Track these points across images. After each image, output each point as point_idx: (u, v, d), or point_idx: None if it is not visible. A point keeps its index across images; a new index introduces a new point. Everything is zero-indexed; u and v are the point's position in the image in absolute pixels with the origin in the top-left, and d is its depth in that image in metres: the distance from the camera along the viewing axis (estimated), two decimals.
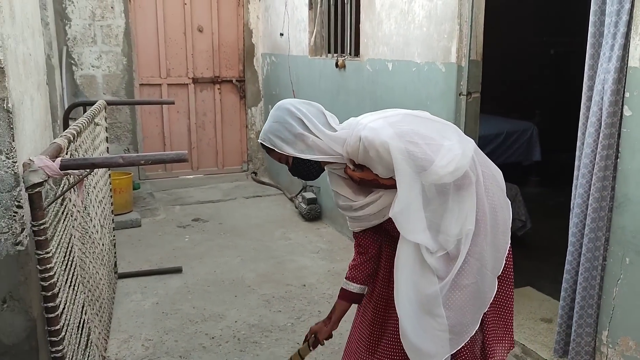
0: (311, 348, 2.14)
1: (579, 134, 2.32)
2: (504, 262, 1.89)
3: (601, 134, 2.16)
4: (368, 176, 1.83)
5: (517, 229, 3.90)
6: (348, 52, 4.27)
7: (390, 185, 1.79)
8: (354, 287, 2.02)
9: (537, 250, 4.03)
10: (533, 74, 6.87)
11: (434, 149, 1.73)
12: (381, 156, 1.75)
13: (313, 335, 2.11)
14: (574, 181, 2.33)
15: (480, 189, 1.81)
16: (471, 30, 2.92)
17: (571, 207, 2.36)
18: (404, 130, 1.76)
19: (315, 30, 4.77)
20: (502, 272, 1.89)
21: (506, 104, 6.55)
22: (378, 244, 2.01)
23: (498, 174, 1.93)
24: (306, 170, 1.91)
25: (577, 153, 2.31)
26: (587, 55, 2.27)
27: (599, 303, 2.30)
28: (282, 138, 1.84)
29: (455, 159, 1.72)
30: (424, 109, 3.23)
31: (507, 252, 1.90)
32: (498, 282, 1.87)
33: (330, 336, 2.11)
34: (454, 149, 1.74)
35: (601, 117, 2.16)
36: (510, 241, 1.92)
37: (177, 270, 3.82)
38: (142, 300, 3.40)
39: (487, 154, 5.00)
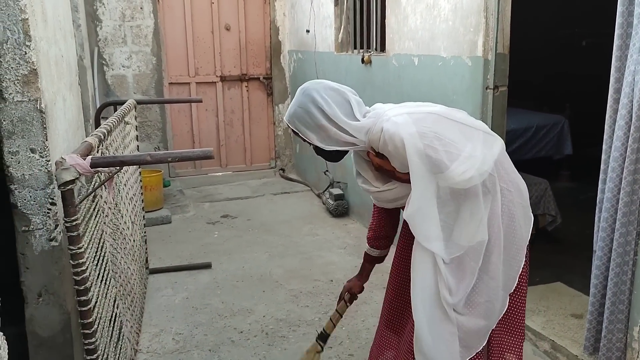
0: (348, 304, 2.29)
1: (606, 127, 2.28)
2: (517, 279, 1.86)
3: (632, 127, 2.11)
4: (386, 165, 1.85)
5: (547, 223, 3.86)
6: (374, 47, 4.26)
7: (405, 180, 1.80)
8: (374, 252, 2.19)
9: (568, 245, 3.97)
10: (564, 67, 6.74)
11: (453, 157, 1.72)
12: (399, 152, 1.76)
13: (347, 293, 2.26)
14: (601, 175, 2.29)
15: (495, 203, 1.78)
16: (498, 23, 2.88)
17: (598, 201, 2.32)
18: (426, 131, 1.75)
19: (341, 26, 4.78)
20: (515, 286, 1.88)
21: (537, 98, 6.44)
22: (396, 215, 2.11)
23: (523, 186, 1.91)
24: (329, 154, 1.94)
25: (605, 147, 2.27)
26: (614, 46, 2.22)
27: (630, 299, 2.26)
28: (305, 125, 1.86)
29: (473, 167, 1.71)
30: (450, 104, 3.24)
31: (520, 269, 1.87)
32: (510, 295, 1.86)
33: (362, 289, 2.27)
34: (474, 157, 1.73)
35: (632, 109, 2.12)
36: (524, 257, 1.88)
37: (207, 266, 3.88)
38: (172, 295, 3.47)
39: (516, 149, 4.96)
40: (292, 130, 1.90)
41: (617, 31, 2.21)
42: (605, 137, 2.28)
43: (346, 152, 1.94)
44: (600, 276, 2.35)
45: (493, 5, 2.87)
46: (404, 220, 1.92)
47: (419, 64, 3.55)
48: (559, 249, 3.89)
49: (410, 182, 1.76)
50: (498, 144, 1.87)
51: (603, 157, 2.28)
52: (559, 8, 6.55)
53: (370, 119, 1.86)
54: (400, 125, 1.76)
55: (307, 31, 5.38)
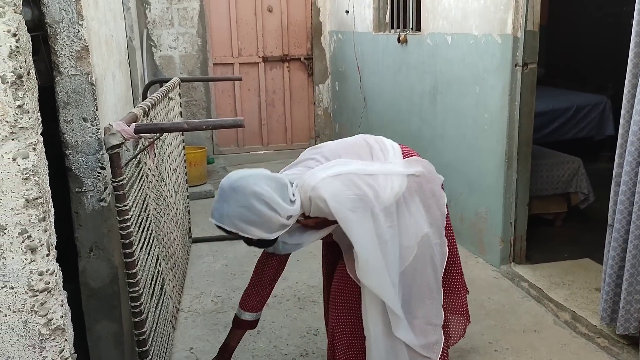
0: None
1: (624, 101, 2.31)
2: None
3: None
4: (320, 220, 1.92)
5: (579, 202, 3.87)
6: (410, 27, 4.33)
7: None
8: (248, 316, 2.14)
9: (601, 223, 3.94)
10: (610, 46, 6.59)
11: (374, 184, 1.87)
12: (328, 210, 1.83)
13: None
14: (618, 150, 2.34)
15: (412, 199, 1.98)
16: (527, 0, 2.92)
17: (615, 175, 2.37)
18: (346, 177, 1.86)
19: (379, 6, 4.86)
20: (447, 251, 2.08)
21: (581, 77, 6.34)
22: (279, 269, 2.16)
23: (430, 167, 2.07)
24: (268, 243, 1.92)
25: (622, 121, 2.31)
26: (634, 21, 2.24)
27: None
28: (247, 222, 1.77)
29: (395, 184, 1.90)
30: (480, 82, 3.32)
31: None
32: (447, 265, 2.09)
33: None
34: (390, 175, 1.92)
35: None
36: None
37: None
38: (212, 262, 3.70)
39: (555, 129, 4.98)
40: (226, 230, 1.80)
41: (637, 5, 2.24)
42: (622, 111, 2.32)
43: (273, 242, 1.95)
44: (617, 248, 2.41)
45: None
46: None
47: (452, 42, 3.62)
48: (592, 227, 3.90)
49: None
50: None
51: (620, 131, 2.32)
52: None
53: (298, 195, 1.87)
54: (320, 189, 1.82)
55: (347, 12, 5.48)
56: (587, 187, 3.82)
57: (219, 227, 1.81)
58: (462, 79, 3.50)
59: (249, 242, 1.88)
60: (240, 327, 2.18)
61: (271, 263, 2.15)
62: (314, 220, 1.93)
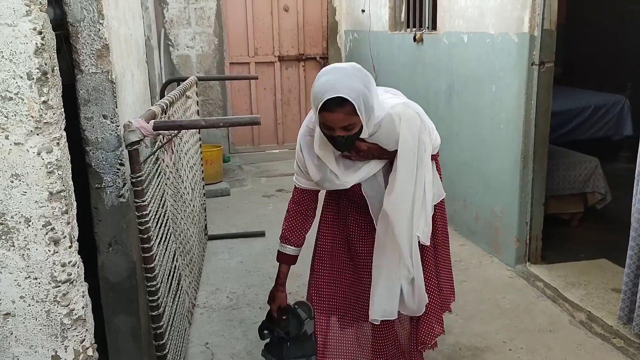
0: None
1: None
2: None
3: None
4: (373, 148, 1.88)
5: (596, 202, 3.85)
6: (426, 26, 4.33)
7: (388, 157, 1.91)
8: (290, 250, 2.14)
9: (619, 224, 3.90)
10: (630, 44, 6.52)
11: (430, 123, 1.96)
12: (396, 130, 1.83)
13: (278, 309, 2.20)
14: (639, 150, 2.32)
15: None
16: None
17: (636, 174, 2.36)
18: (416, 107, 1.91)
19: (395, 5, 4.86)
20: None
21: (600, 77, 6.28)
22: (315, 197, 2.15)
23: None
24: (354, 142, 1.83)
25: None
26: None
27: None
28: (366, 105, 1.69)
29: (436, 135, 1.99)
30: (497, 80, 3.32)
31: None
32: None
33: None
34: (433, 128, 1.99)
35: None
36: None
37: (261, 234, 4.12)
38: (228, 259, 3.74)
39: (572, 129, 4.97)
40: (342, 106, 1.66)
41: None
42: None
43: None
44: (635, 247, 2.40)
45: None
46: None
47: (468, 41, 3.61)
48: (609, 227, 3.88)
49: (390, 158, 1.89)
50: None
51: None
52: None
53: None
54: (398, 107, 1.84)
55: (363, 11, 5.49)
56: (605, 187, 3.79)
57: (334, 101, 1.64)
58: (479, 78, 3.50)
59: (340, 139, 1.75)
60: (284, 261, 2.18)
61: (307, 198, 2.14)
62: (367, 145, 1.86)
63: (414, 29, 4.52)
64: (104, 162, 2.12)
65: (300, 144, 2.02)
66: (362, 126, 1.74)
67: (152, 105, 3.55)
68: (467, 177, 3.77)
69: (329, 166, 1.91)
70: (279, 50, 6.29)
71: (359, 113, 1.68)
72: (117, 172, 2.14)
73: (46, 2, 1.13)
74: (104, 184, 2.14)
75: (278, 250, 2.18)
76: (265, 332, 2.17)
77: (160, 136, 2.17)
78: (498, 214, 3.47)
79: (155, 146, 2.21)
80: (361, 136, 1.80)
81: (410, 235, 1.92)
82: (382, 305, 2.01)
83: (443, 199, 2.14)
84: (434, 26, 4.18)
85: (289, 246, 2.14)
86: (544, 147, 3.17)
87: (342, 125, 1.71)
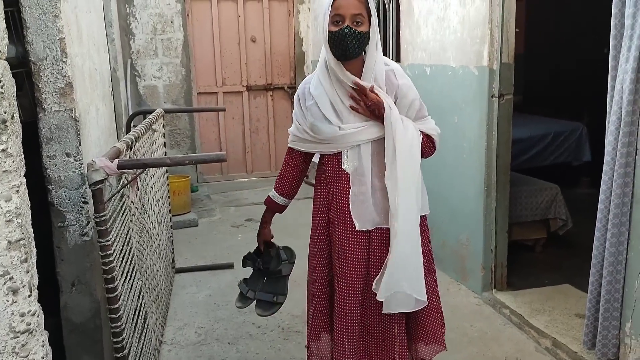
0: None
1: (606, 133, 2.39)
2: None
3: (621, 132, 2.23)
4: (375, 101, 1.92)
5: (558, 227, 3.94)
6: (390, 57, 4.42)
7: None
8: (281, 200, 2.26)
9: (581, 249, 4.02)
10: (585, 74, 6.77)
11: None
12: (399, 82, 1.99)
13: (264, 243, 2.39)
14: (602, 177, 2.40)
15: None
16: (502, 34, 3.02)
17: (599, 202, 2.43)
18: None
19: None
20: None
21: (557, 105, 6.49)
22: (303, 163, 2.22)
23: None
24: (360, 47, 1.89)
25: (605, 150, 2.37)
26: (610, 56, 2.34)
27: (623, 296, 2.36)
28: (374, 13, 1.91)
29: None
30: (459, 112, 3.40)
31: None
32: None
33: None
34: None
35: (621, 115, 2.23)
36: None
37: (229, 266, 4.08)
38: (196, 293, 3.69)
39: (534, 155, 5.08)
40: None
41: (612, 42, 2.33)
42: (606, 141, 2.39)
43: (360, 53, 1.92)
44: (596, 274, 2.46)
45: (497, 18, 3.01)
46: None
47: (431, 73, 3.71)
48: (571, 252, 3.97)
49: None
50: None
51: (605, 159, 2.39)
52: (580, 16, 6.59)
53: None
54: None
55: None
56: (565, 213, 3.89)
57: None
58: (441, 109, 3.58)
59: (348, 30, 1.85)
60: (270, 205, 2.30)
61: (297, 161, 2.22)
62: (376, 97, 1.91)
63: None
64: (67, 201, 2.09)
65: (298, 93, 2.15)
66: (369, 32, 1.88)
67: (117, 137, 3.53)
68: (433, 205, 3.78)
69: (322, 108, 1.99)
70: (247, 80, 6.33)
71: (369, 6, 1.88)
72: (81, 211, 2.11)
73: (5, 50, 1.13)
74: (67, 223, 2.11)
75: (267, 196, 2.30)
76: (248, 260, 2.41)
77: (126, 174, 2.15)
78: (464, 241, 3.53)
79: (120, 184, 2.19)
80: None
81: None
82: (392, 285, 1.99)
83: (426, 216, 2.17)
84: (397, 58, 4.28)
85: (278, 195, 2.25)
86: (506, 176, 3.26)
87: (353, 12, 1.85)
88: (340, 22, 1.86)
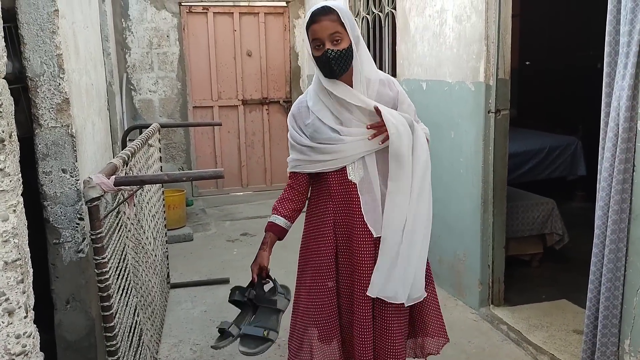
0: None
1: (600, 148, 2.40)
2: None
3: (618, 149, 2.23)
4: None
5: (554, 242, 3.94)
6: (386, 72, 4.44)
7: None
8: (281, 221, 2.16)
9: (577, 264, 4.03)
10: (579, 89, 6.82)
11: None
12: (394, 94, 2.04)
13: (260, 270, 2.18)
14: (597, 194, 2.40)
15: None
16: (498, 50, 3.04)
17: (595, 218, 2.43)
18: None
19: None
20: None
21: (551, 120, 6.53)
22: (307, 185, 2.17)
23: None
24: (346, 63, 1.88)
25: (599, 167, 2.38)
26: (604, 73, 2.36)
27: (621, 313, 2.35)
28: (352, 24, 1.88)
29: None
30: (455, 127, 3.41)
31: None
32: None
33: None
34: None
35: (618, 132, 2.24)
36: None
37: (225, 281, 4.05)
38: (191, 309, 3.65)
39: (529, 169, 5.09)
40: (329, 16, 1.84)
41: (606, 59, 2.35)
42: (599, 158, 2.40)
43: (347, 69, 1.92)
44: (594, 290, 2.45)
45: (493, 34, 3.03)
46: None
47: (427, 88, 3.72)
48: (567, 267, 3.97)
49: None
50: None
51: (598, 176, 2.39)
52: (575, 31, 6.65)
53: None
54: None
55: None
56: (562, 228, 3.89)
57: (320, 12, 1.85)
58: (438, 124, 3.59)
59: (331, 52, 1.84)
60: (271, 229, 2.18)
61: (300, 182, 2.17)
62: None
63: None
64: (62, 217, 2.07)
65: (293, 113, 2.14)
66: (350, 44, 1.87)
67: (113, 152, 3.52)
68: None
69: (324, 119, 1.99)
70: (243, 94, 6.34)
71: (343, 22, 1.85)
72: (76, 227, 2.09)
73: (4, 69, 1.12)
74: (62, 240, 2.09)
75: (268, 221, 2.20)
76: (237, 292, 2.15)
77: (122, 190, 2.14)
78: (461, 257, 3.52)
79: (117, 200, 2.17)
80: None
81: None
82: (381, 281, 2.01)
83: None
84: (394, 73, 4.29)
85: (279, 217, 2.16)
86: (502, 191, 3.26)
87: (329, 33, 1.85)
88: (321, 46, 1.88)
